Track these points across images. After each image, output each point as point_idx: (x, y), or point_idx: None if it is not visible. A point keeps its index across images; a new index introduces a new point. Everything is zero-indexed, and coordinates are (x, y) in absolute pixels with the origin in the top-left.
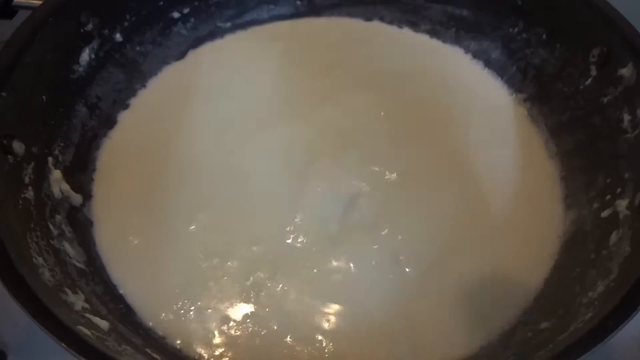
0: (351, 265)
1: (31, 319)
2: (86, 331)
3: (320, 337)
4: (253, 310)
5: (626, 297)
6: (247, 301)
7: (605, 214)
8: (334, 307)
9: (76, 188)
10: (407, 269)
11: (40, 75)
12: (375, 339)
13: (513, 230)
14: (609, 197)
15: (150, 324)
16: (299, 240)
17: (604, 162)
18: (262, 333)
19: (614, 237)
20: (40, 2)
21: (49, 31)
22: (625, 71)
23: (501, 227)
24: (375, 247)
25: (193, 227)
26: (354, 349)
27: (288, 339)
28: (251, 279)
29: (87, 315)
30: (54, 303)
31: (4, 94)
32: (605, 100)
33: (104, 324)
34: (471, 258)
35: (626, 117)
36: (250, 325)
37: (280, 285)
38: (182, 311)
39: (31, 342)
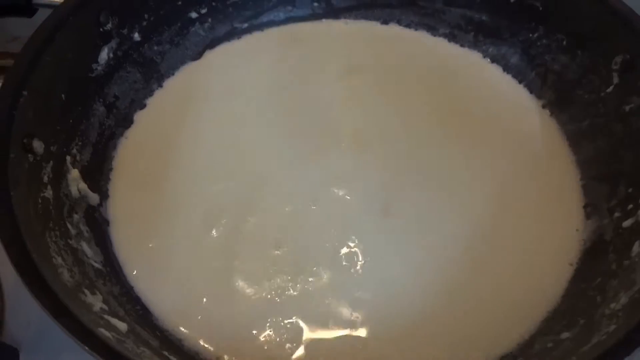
0: (376, 265)
1: (54, 321)
2: (106, 333)
3: (352, 340)
4: (276, 314)
5: None
6: (271, 305)
7: (627, 223)
8: (362, 309)
9: (93, 187)
10: (427, 271)
11: (59, 74)
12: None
13: (532, 237)
14: (630, 206)
15: (168, 326)
16: (320, 241)
17: (626, 171)
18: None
19: (636, 248)
20: (61, 1)
21: (69, 30)
22: None
23: (520, 233)
24: (397, 245)
25: (212, 230)
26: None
27: (318, 344)
28: (274, 282)
29: (106, 316)
30: (74, 304)
31: (25, 92)
32: (627, 108)
33: (122, 326)
34: (489, 264)
35: None
36: (274, 329)
37: (305, 287)
38: (203, 315)
39: (43, 339)
